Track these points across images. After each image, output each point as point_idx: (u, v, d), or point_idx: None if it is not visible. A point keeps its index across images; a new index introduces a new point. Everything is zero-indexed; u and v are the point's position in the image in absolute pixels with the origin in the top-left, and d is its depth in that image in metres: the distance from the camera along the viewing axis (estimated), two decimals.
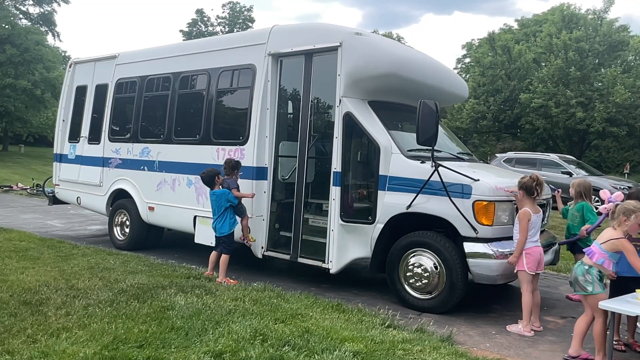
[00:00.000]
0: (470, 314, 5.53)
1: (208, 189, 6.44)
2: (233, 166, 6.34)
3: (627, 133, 28.07)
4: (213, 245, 6.59)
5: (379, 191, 5.79)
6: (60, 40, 64.30)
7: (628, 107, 26.50)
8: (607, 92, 26.96)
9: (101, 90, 8.95)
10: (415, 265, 5.57)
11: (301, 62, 6.49)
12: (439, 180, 5.31)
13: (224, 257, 6.23)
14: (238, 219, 6.36)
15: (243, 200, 6.40)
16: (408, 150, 5.81)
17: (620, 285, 4.31)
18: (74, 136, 9.37)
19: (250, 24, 53.98)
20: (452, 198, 5.26)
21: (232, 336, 4.13)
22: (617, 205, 4.36)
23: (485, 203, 5.21)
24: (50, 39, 41.38)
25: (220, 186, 6.26)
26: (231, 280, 6.13)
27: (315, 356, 3.86)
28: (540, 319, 5.24)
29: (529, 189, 5.07)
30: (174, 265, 6.85)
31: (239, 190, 6.29)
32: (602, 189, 6.18)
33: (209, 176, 6.28)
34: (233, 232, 6.30)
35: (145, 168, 8.01)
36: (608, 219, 4.59)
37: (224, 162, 6.48)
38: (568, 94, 27.30)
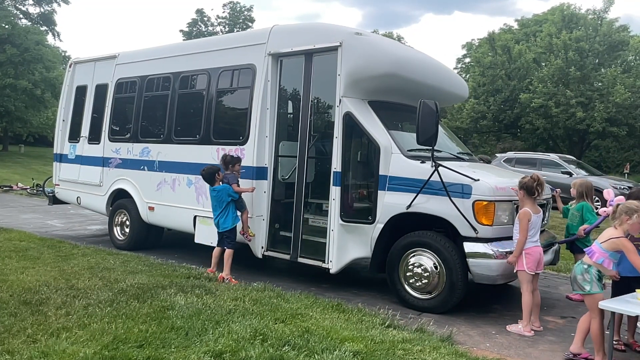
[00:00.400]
0: (470, 314, 5.53)
1: (208, 188, 6.45)
2: (228, 161, 6.36)
3: (627, 133, 28.07)
4: (213, 245, 6.60)
5: (379, 191, 5.79)
6: (60, 40, 64.39)
7: (628, 107, 26.50)
8: (607, 92, 26.96)
9: (101, 90, 8.95)
10: (415, 265, 5.57)
11: (301, 62, 6.49)
12: (439, 180, 5.30)
13: (229, 252, 6.26)
14: (238, 213, 6.39)
15: (243, 196, 6.43)
16: (408, 150, 5.81)
17: (623, 285, 4.31)
18: (74, 136, 9.36)
19: (250, 24, 53.99)
20: (452, 198, 5.26)
21: (232, 336, 4.14)
22: (618, 204, 4.34)
23: (485, 203, 5.21)
24: (50, 38, 41.45)
25: (221, 182, 6.29)
26: (233, 279, 6.15)
27: (315, 356, 3.86)
28: (540, 319, 5.24)
29: (530, 189, 5.06)
30: (174, 265, 6.85)
31: (239, 186, 6.32)
32: (602, 189, 6.18)
33: (209, 173, 6.31)
34: (236, 226, 6.33)
35: (145, 168, 8.01)
36: (609, 219, 4.58)
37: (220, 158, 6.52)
38: (568, 94, 27.30)
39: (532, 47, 33.10)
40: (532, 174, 5.27)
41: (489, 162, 8.43)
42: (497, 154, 19.70)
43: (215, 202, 6.30)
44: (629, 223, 4.14)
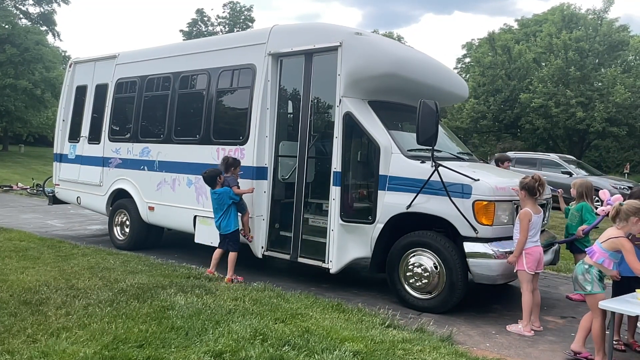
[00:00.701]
0: (470, 314, 5.53)
1: (208, 188, 6.45)
2: (229, 164, 6.37)
3: (627, 133, 28.07)
4: (213, 244, 6.60)
5: (379, 191, 5.78)
6: (60, 40, 64.40)
7: (628, 107, 26.50)
8: (607, 92, 26.96)
9: (101, 90, 8.95)
10: (415, 265, 5.57)
11: (301, 62, 6.49)
12: (439, 180, 5.30)
13: (232, 255, 6.28)
14: (239, 215, 6.40)
15: (244, 197, 6.44)
16: (408, 150, 5.81)
17: (623, 285, 4.31)
18: (74, 136, 9.37)
19: (250, 24, 53.99)
20: (452, 198, 5.26)
21: (232, 336, 4.14)
22: (620, 204, 4.30)
23: (485, 203, 5.21)
24: (50, 38, 41.48)
25: (221, 185, 6.29)
26: (239, 277, 6.20)
27: (315, 356, 3.86)
28: (540, 318, 5.24)
29: (532, 189, 5.06)
30: (174, 265, 6.85)
31: (238, 188, 6.32)
32: (602, 189, 6.18)
33: (211, 176, 6.30)
34: (238, 228, 6.34)
35: (145, 168, 8.01)
36: (608, 219, 4.57)
37: (221, 160, 6.52)
38: (568, 94, 27.30)
39: (532, 47, 33.10)
40: (534, 174, 5.27)
41: (509, 160, 8.20)
42: (497, 154, 19.68)
43: (216, 205, 6.30)
44: (639, 224, 4.11)
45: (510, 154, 18.55)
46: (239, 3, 54.68)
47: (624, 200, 4.66)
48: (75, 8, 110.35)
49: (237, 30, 49.59)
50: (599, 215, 5.78)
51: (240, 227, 6.45)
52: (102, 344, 3.88)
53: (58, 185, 9.70)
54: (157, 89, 8.10)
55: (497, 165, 7.89)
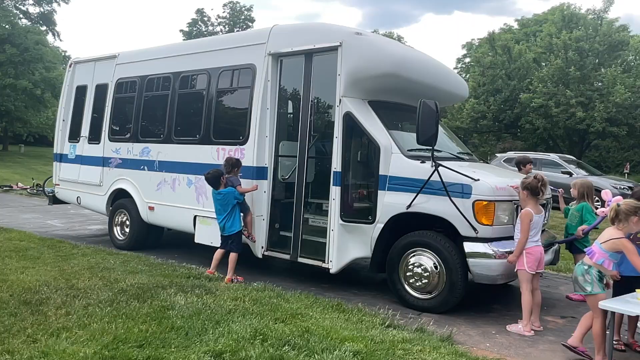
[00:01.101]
0: (470, 314, 5.53)
1: (208, 188, 6.46)
2: (233, 164, 6.38)
3: (627, 133, 28.04)
4: (213, 244, 6.60)
5: (379, 191, 5.79)
6: (60, 40, 64.38)
7: (628, 107, 26.49)
8: (607, 92, 26.95)
9: (101, 90, 8.95)
10: (415, 265, 5.57)
11: (301, 62, 6.49)
12: (439, 180, 5.31)
13: (234, 256, 6.27)
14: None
15: (246, 198, 6.45)
16: (408, 150, 5.81)
17: (625, 285, 4.30)
18: (74, 136, 9.37)
19: (250, 24, 53.98)
20: (452, 198, 5.26)
21: (232, 336, 4.14)
22: (618, 205, 4.30)
23: (485, 203, 5.21)
24: (50, 38, 41.48)
25: (225, 186, 6.29)
26: (239, 277, 6.21)
27: (315, 356, 3.86)
28: (540, 318, 5.24)
29: (534, 189, 5.06)
30: (174, 265, 6.85)
31: (242, 187, 6.33)
32: (602, 189, 6.17)
33: (215, 177, 6.29)
34: (242, 229, 6.35)
35: (146, 168, 8.01)
36: (608, 219, 4.56)
37: (224, 160, 6.51)
38: (568, 94, 27.29)
39: (532, 47, 33.10)
40: (536, 173, 5.26)
41: (531, 162, 7.45)
42: (497, 154, 19.67)
43: (220, 206, 6.27)
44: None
45: (511, 154, 18.53)
46: (239, 3, 54.70)
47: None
48: (75, 8, 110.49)
49: (237, 30, 49.56)
50: (598, 215, 5.78)
51: (243, 227, 6.45)
52: (102, 344, 3.87)
53: (58, 185, 9.70)
54: (157, 89, 8.10)
55: (519, 169, 7.36)
